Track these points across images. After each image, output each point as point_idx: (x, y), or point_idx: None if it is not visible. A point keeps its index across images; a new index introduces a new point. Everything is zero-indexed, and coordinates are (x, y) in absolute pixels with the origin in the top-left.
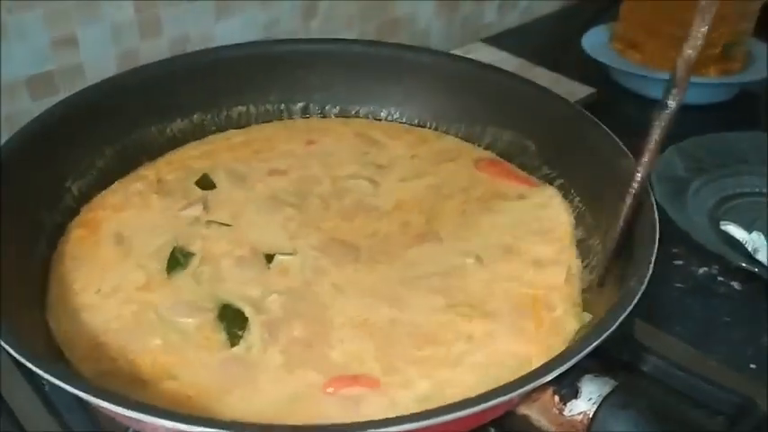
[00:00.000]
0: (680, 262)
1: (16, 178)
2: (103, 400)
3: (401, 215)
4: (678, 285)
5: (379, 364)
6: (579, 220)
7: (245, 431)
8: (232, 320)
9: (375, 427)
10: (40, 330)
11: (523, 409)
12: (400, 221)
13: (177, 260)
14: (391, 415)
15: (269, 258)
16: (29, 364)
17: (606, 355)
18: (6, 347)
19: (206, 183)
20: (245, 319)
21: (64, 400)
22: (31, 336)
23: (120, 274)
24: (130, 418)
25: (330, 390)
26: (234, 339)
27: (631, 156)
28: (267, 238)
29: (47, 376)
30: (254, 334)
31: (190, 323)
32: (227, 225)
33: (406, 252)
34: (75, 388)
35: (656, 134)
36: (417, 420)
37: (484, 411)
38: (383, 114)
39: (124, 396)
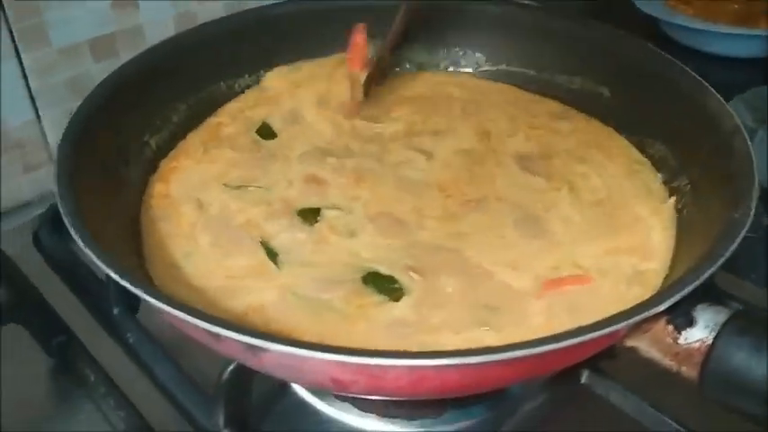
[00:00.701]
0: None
1: (98, 135)
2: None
3: None
4: (748, 235)
5: None
6: (662, 163)
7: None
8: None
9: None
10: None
11: (632, 342)
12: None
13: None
14: None
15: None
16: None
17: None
18: (113, 276)
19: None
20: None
21: (147, 350)
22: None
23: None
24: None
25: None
26: (395, 293)
27: (713, 90)
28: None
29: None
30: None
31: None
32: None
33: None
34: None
35: None
36: (530, 347)
37: (593, 341)
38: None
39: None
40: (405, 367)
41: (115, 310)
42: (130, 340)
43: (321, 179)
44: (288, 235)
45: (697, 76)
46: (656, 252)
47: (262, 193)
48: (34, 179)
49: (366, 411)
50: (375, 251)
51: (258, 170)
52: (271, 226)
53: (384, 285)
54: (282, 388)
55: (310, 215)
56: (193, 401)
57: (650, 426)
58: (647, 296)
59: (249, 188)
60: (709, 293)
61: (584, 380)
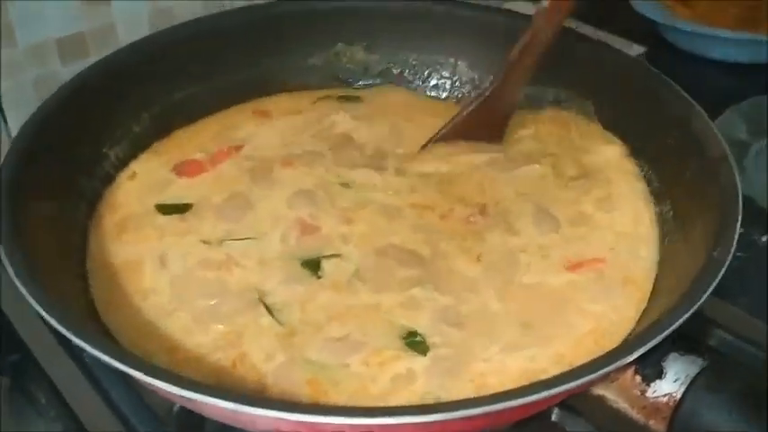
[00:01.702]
0: (741, 230)
1: (53, 144)
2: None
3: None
4: (740, 254)
5: None
6: (647, 183)
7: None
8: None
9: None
10: (79, 296)
11: (600, 390)
12: None
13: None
14: None
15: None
16: (76, 339)
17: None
18: (50, 320)
19: None
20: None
21: (105, 373)
22: (70, 303)
23: None
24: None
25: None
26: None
27: (699, 108)
28: None
29: (102, 356)
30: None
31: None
32: None
33: None
34: (128, 366)
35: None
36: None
37: (558, 394)
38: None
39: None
40: (342, 425)
41: None
42: (86, 360)
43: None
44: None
45: (687, 96)
46: None
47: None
48: None
49: None
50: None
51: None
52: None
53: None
54: None
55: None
56: (147, 429)
57: None
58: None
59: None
60: (682, 340)
61: (554, 417)
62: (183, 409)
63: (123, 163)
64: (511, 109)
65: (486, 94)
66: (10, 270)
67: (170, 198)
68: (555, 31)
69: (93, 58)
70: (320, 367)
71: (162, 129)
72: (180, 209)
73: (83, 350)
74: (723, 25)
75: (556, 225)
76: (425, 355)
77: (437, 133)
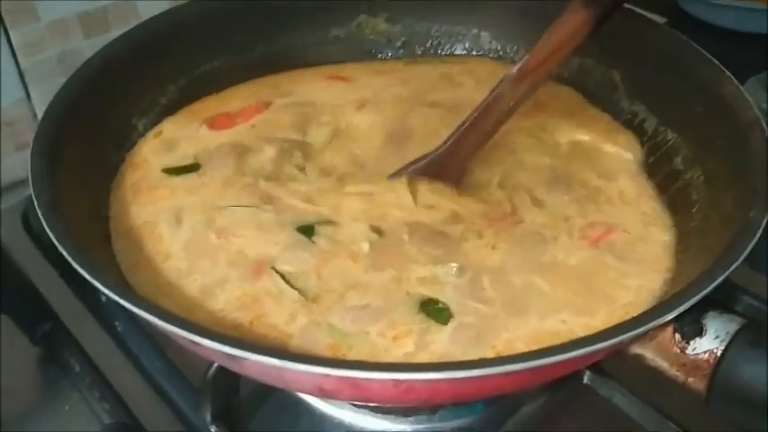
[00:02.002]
0: None
1: (82, 116)
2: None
3: None
4: None
5: None
6: (675, 152)
7: None
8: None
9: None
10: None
11: (637, 349)
12: None
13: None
14: None
15: None
16: (120, 299)
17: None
18: (100, 286)
19: None
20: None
21: (137, 341)
22: (106, 268)
23: None
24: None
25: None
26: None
27: (732, 77)
28: None
29: (142, 313)
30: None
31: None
32: None
33: None
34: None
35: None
36: (521, 361)
37: (600, 350)
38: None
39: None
40: (386, 380)
41: (104, 298)
42: (119, 329)
43: None
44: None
45: (716, 62)
46: None
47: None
48: (25, 158)
49: (361, 408)
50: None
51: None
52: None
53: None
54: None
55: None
56: (181, 395)
57: (652, 429)
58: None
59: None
60: (720, 300)
61: (586, 380)
62: (217, 373)
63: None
64: (461, 171)
65: (434, 155)
66: (56, 241)
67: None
68: (518, 102)
69: (114, 33)
70: (342, 334)
71: (187, 100)
72: (188, 169)
73: (115, 318)
74: None
75: (575, 195)
76: (447, 323)
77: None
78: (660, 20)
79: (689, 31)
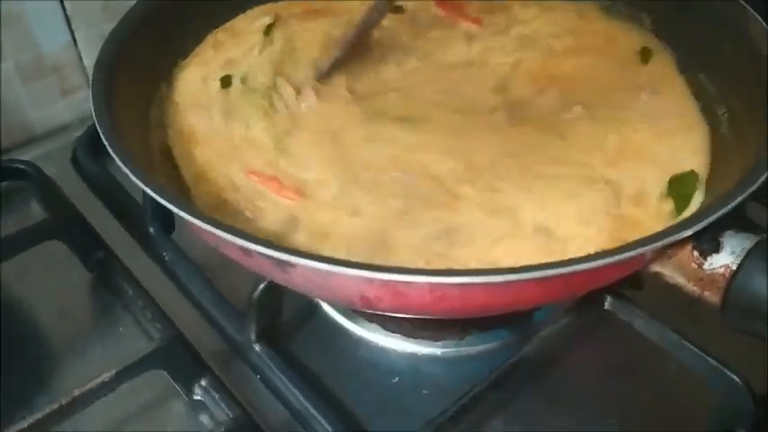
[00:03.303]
0: None
1: (131, 58)
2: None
3: None
4: None
5: None
6: (700, 91)
7: None
8: None
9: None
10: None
11: (657, 267)
12: None
13: None
14: None
15: None
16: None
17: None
18: (148, 191)
19: None
20: None
21: (183, 268)
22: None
23: None
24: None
25: None
26: None
27: (756, 15)
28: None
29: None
30: None
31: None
32: None
33: None
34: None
35: None
36: (551, 269)
37: (621, 264)
38: None
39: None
40: (427, 284)
41: (151, 230)
42: (166, 258)
43: None
44: None
45: (742, 2)
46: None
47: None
48: (72, 102)
49: (392, 332)
50: None
51: None
52: None
53: None
54: (312, 308)
55: None
56: (226, 317)
57: (672, 351)
58: None
59: None
60: (738, 221)
61: (607, 306)
62: (262, 295)
63: None
64: None
65: None
66: (120, 162)
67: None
68: None
69: None
70: None
71: None
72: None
73: (163, 249)
74: None
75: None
76: None
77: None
78: None
79: None
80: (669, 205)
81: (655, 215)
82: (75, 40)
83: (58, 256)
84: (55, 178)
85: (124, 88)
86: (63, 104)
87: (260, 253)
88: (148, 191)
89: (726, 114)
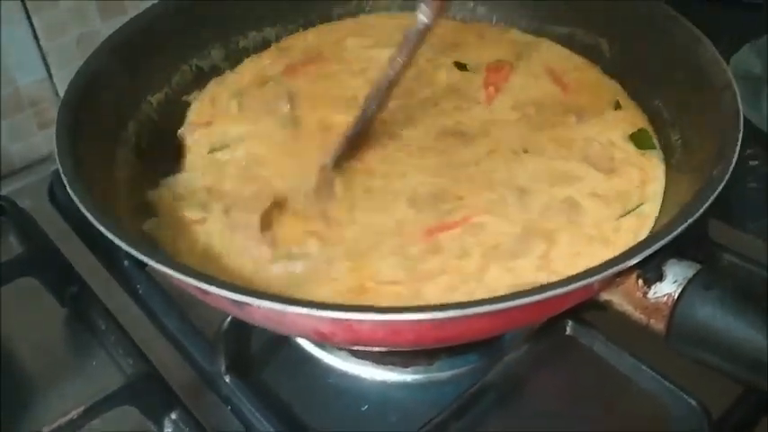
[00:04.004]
0: (755, 162)
1: (98, 96)
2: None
3: None
4: (753, 185)
5: None
6: (656, 116)
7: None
8: None
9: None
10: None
11: (606, 295)
12: None
13: None
14: None
15: None
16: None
17: (681, 252)
18: (110, 236)
19: None
20: None
21: (156, 300)
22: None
23: None
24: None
25: None
26: None
27: (712, 46)
28: None
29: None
30: None
31: None
32: None
33: None
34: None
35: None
36: (494, 303)
37: (568, 294)
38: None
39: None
40: (375, 321)
41: (126, 263)
42: (140, 291)
43: None
44: None
45: (694, 28)
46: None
47: None
48: (49, 135)
49: (362, 359)
50: None
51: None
52: None
53: None
54: (282, 337)
55: None
56: (197, 348)
57: (630, 375)
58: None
59: None
60: (683, 247)
61: (568, 331)
62: (230, 327)
63: (164, 109)
64: None
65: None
66: (80, 205)
67: None
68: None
69: (131, 13)
70: None
71: (205, 77)
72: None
73: (137, 282)
74: None
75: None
76: None
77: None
78: None
79: (686, 4)
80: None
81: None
82: (50, 75)
83: (33, 291)
84: (32, 211)
85: (90, 126)
86: (40, 138)
87: (213, 293)
88: (102, 229)
89: (680, 140)
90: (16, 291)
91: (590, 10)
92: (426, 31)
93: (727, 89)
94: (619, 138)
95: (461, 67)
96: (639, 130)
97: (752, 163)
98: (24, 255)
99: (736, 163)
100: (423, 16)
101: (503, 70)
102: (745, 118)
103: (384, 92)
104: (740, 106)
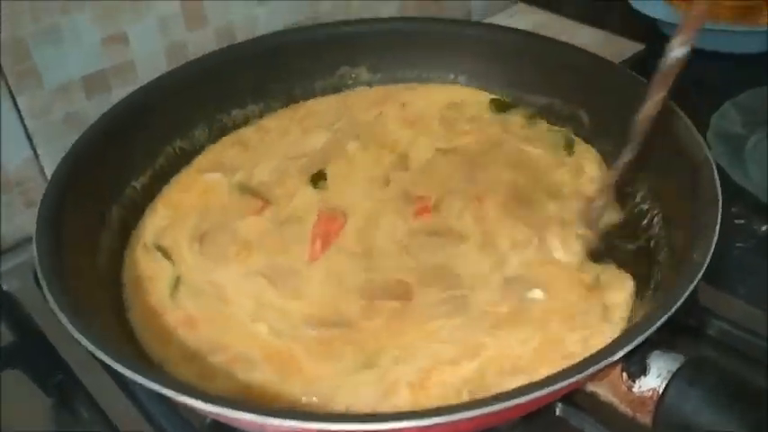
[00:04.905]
0: (741, 221)
1: (86, 180)
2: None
3: None
4: (740, 245)
5: None
6: (637, 191)
7: None
8: None
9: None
10: (116, 324)
11: (592, 387)
12: None
13: None
14: None
15: None
16: (116, 366)
17: (671, 321)
18: (91, 348)
19: None
20: None
21: (143, 390)
22: (109, 331)
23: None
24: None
25: None
26: None
27: (689, 122)
28: None
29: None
30: None
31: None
32: None
33: None
34: (157, 384)
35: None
36: (483, 406)
37: (553, 392)
38: None
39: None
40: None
41: None
42: (125, 379)
43: None
44: None
45: (671, 103)
46: None
47: None
48: (35, 215)
49: None
50: None
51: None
52: None
53: None
54: None
55: None
56: None
57: None
58: None
59: None
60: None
61: (558, 412)
62: (214, 421)
63: (147, 192)
64: None
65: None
66: (54, 306)
67: None
68: None
69: (115, 92)
70: None
71: (184, 161)
72: None
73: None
74: (722, 18)
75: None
76: None
77: None
78: (639, 46)
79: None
80: None
81: None
82: (37, 155)
83: (18, 382)
84: (19, 292)
85: (73, 213)
86: (27, 216)
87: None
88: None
89: (659, 216)
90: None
91: (567, 81)
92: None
93: (704, 166)
94: None
95: None
96: None
97: (738, 222)
98: (10, 343)
99: (723, 223)
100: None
101: None
102: (728, 177)
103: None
104: (718, 185)
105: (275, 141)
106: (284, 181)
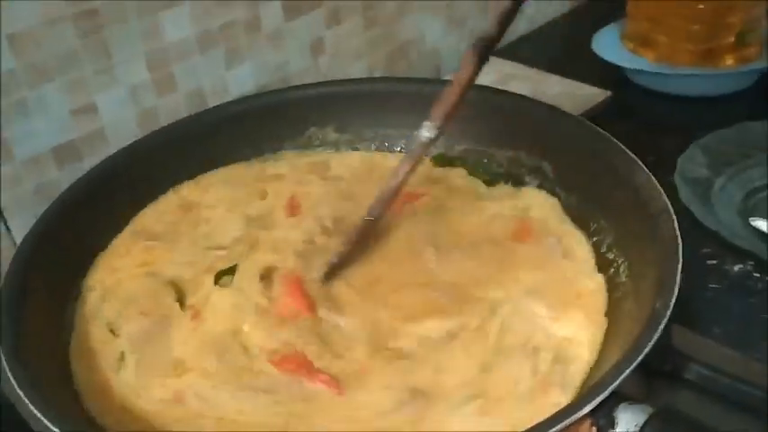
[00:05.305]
0: (713, 262)
1: (51, 252)
2: None
3: None
4: (713, 286)
5: None
6: (603, 240)
7: None
8: None
9: None
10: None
11: None
12: None
13: None
14: None
15: None
16: None
17: (645, 365)
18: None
19: None
20: None
21: None
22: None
23: None
24: None
25: None
26: None
27: (647, 171)
28: None
29: None
30: None
31: None
32: None
33: None
34: None
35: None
36: None
37: None
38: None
39: None
40: None
41: None
42: None
43: None
44: None
45: (629, 153)
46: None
47: None
48: None
49: None
50: None
51: None
52: None
53: None
54: None
55: None
56: None
57: None
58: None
59: None
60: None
61: None
62: None
63: None
64: None
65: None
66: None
67: None
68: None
69: (87, 160)
70: None
71: None
72: None
73: None
74: (683, 62)
75: None
76: None
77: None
78: (606, 93)
79: (635, 100)
80: None
81: None
82: (8, 228)
83: None
84: None
85: (42, 282)
86: None
87: None
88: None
89: (625, 265)
90: None
91: (531, 133)
92: (430, 144)
93: (664, 214)
94: None
95: None
96: None
97: (709, 263)
98: None
99: (694, 264)
100: (426, 132)
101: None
102: (697, 219)
103: (386, 201)
104: (678, 235)
105: None
106: None
